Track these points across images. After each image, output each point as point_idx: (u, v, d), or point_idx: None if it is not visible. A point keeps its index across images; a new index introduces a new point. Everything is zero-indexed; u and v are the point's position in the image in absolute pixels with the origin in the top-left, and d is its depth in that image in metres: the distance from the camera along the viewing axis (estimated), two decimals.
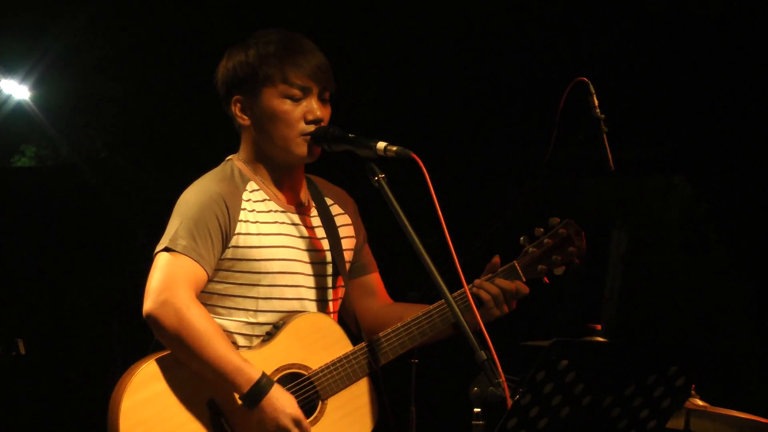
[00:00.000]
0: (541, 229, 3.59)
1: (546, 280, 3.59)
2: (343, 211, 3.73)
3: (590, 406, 2.96)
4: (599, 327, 4.09)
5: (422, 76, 6.57)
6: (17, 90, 7.03)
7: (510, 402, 2.91)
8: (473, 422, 3.01)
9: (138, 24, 6.70)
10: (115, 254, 7.15)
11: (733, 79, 6.06)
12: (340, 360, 3.51)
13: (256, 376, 3.38)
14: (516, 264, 3.57)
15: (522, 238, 3.58)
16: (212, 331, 3.39)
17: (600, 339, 4.02)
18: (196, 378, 3.42)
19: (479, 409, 3.00)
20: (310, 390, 3.49)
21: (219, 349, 3.38)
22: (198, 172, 3.62)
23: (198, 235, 3.44)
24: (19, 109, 7.12)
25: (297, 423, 3.40)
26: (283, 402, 3.39)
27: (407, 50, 6.51)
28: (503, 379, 2.96)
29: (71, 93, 7.12)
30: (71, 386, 7.23)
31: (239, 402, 3.41)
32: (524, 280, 3.56)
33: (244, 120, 3.59)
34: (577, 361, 2.88)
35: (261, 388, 3.38)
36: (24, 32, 6.72)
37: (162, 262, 3.44)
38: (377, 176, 3.32)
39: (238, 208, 3.52)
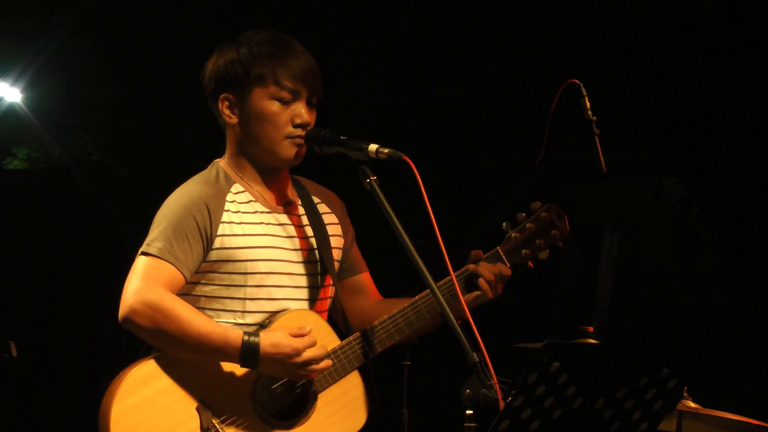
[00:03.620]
0: (523, 214, 3.60)
1: (530, 264, 3.60)
2: (330, 211, 3.72)
3: (582, 408, 2.96)
4: (591, 329, 4.09)
5: (413, 78, 6.58)
6: (9, 92, 7.03)
7: (502, 404, 2.91)
8: (465, 424, 3.01)
9: (130, 27, 6.70)
10: (106, 257, 7.14)
11: (725, 82, 6.07)
12: (327, 355, 3.49)
13: (239, 338, 3.35)
14: (499, 250, 3.57)
15: (504, 224, 3.59)
16: (188, 312, 3.36)
17: (592, 341, 4.02)
18: (185, 381, 3.40)
19: (471, 411, 3.00)
20: (299, 387, 3.47)
21: (201, 327, 3.34)
22: (189, 175, 3.61)
23: (175, 238, 3.42)
24: (11, 111, 7.12)
25: (298, 353, 3.37)
26: (278, 345, 3.36)
27: (398, 53, 6.52)
28: (495, 381, 2.96)
29: (63, 95, 7.12)
30: (62, 389, 7.22)
31: (242, 367, 3.38)
32: (508, 265, 3.58)
33: (231, 118, 3.57)
34: (570, 364, 2.88)
35: (250, 345, 3.34)
36: (16, 35, 6.71)
37: (137, 266, 3.42)
38: (369, 179, 3.31)
39: (221, 210, 3.49)
